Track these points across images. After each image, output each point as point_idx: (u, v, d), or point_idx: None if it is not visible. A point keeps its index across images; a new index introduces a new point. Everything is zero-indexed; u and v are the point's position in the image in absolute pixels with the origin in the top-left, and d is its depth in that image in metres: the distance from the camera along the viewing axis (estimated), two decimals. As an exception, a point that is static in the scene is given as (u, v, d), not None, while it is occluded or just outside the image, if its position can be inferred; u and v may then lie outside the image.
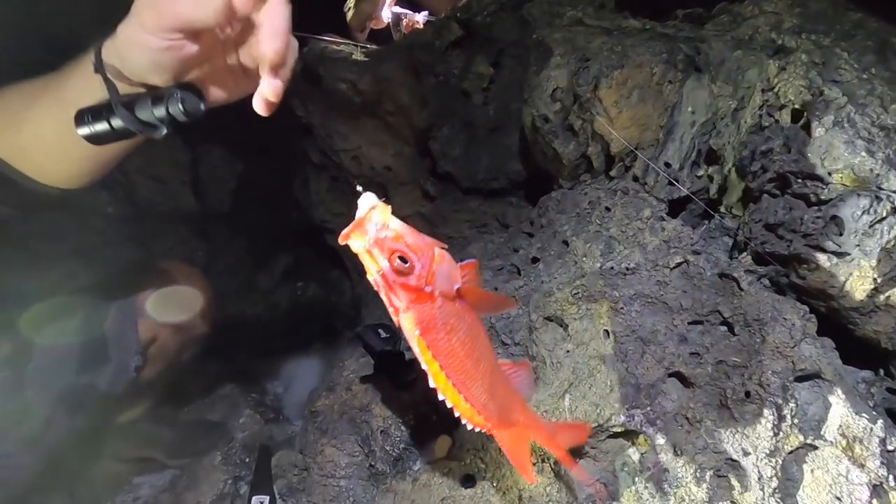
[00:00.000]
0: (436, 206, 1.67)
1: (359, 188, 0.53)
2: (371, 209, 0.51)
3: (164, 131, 0.64)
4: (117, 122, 0.61)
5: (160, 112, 0.61)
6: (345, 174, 1.81)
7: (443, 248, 0.54)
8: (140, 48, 0.60)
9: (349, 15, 2.13)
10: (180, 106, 0.61)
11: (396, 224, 0.52)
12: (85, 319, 1.35)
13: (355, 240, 0.51)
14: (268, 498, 1.29)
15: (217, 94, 0.69)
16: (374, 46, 1.79)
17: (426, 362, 0.55)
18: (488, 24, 1.46)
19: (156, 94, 0.61)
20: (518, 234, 1.39)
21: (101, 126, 0.62)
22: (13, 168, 0.73)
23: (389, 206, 0.52)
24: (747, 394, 0.82)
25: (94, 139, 0.63)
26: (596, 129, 1.05)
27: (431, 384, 0.56)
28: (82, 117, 0.62)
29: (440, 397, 0.57)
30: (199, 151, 2.50)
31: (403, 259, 0.51)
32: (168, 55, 0.61)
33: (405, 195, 1.70)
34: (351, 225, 0.51)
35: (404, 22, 2.12)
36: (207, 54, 0.64)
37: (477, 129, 1.50)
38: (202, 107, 0.64)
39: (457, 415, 0.59)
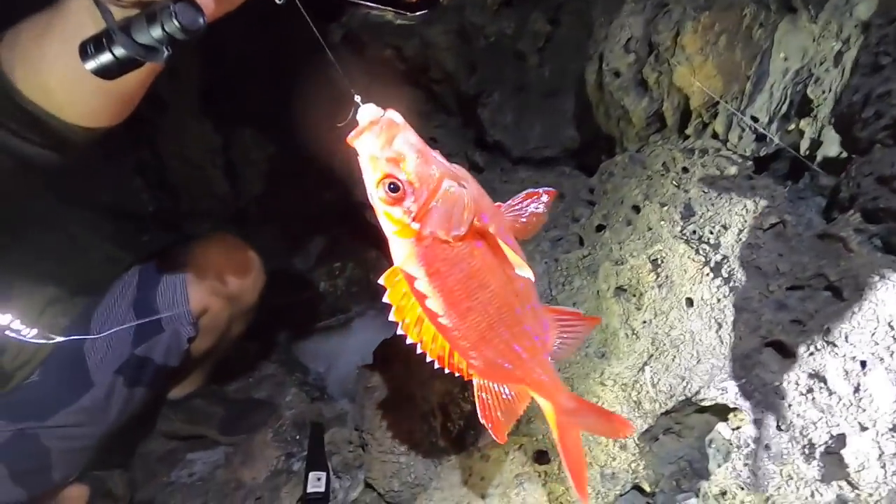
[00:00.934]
0: (484, 178, 1.60)
1: (357, 98, 0.49)
2: (379, 120, 0.46)
3: (166, 54, 0.58)
4: (119, 51, 0.57)
5: (157, 31, 0.56)
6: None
7: (461, 187, 0.49)
8: None
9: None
10: (176, 21, 0.55)
11: (402, 145, 0.46)
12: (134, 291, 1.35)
13: (361, 146, 0.47)
14: (324, 474, 1.27)
15: (212, 4, 0.63)
16: (419, 13, 1.72)
17: (399, 295, 0.52)
18: (545, -22, 1.37)
19: (150, 12, 0.56)
20: (577, 203, 1.32)
21: (105, 57, 0.57)
22: (38, 106, 0.70)
23: (399, 121, 0.47)
24: (863, 364, 0.74)
25: (101, 72, 0.59)
26: (674, 81, 0.97)
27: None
28: (85, 50, 0.58)
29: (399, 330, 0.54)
30: (229, 134, 2.48)
31: (395, 186, 0.47)
32: None
33: (451, 167, 1.64)
34: (362, 124, 0.47)
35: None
36: None
37: (530, 93, 1.42)
38: (201, 21, 0.58)
39: (420, 351, 0.56)
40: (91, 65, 0.58)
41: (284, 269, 2.60)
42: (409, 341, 0.55)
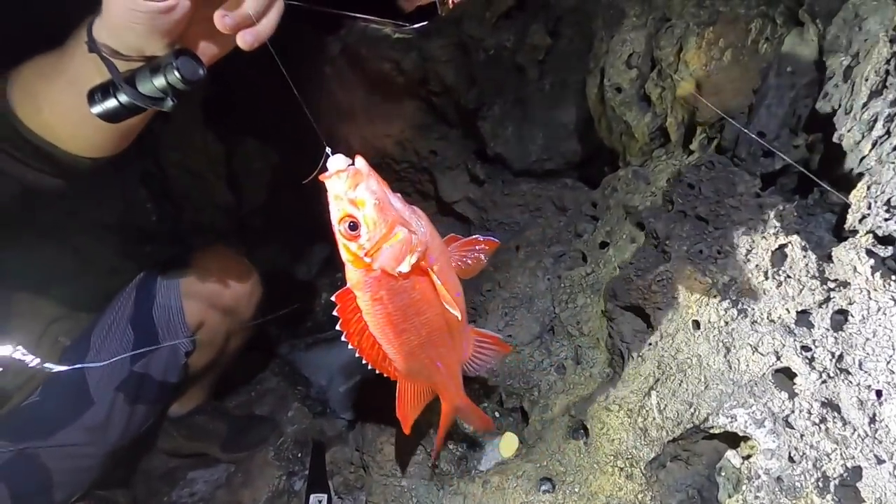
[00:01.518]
0: (485, 191, 1.59)
1: (328, 150, 0.56)
2: (349, 168, 0.54)
3: (171, 103, 0.63)
4: (124, 98, 0.61)
5: (160, 82, 0.60)
6: (387, 161, 1.75)
7: (412, 232, 0.57)
8: (133, 19, 0.58)
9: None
10: (177, 73, 0.60)
11: (364, 191, 0.54)
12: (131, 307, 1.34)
13: (330, 186, 0.55)
14: (325, 496, 1.25)
15: (210, 51, 0.67)
16: (417, 25, 1.70)
17: (346, 310, 0.63)
18: (544, -10, 1.35)
19: (153, 65, 0.61)
20: (580, 217, 1.29)
21: (111, 103, 0.62)
22: (44, 139, 0.75)
23: (364, 170, 0.55)
24: (878, 393, 0.71)
25: (107, 117, 0.63)
26: (678, 97, 0.94)
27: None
28: (93, 97, 0.63)
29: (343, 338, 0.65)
30: (232, 144, 2.47)
31: (354, 226, 0.55)
32: (162, 20, 0.59)
33: (452, 180, 1.62)
34: (331, 171, 0.55)
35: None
36: (197, 13, 0.61)
37: (531, 106, 1.40)
38: (201, 72, 0.63)
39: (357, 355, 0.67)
40: (97, 110, 0.62)
41: (286, 279, 2.59)
42: (349, 347, 0.66)
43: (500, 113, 1.44)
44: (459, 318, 0.64)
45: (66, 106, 0.72)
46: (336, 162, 0.55)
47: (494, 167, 1.56)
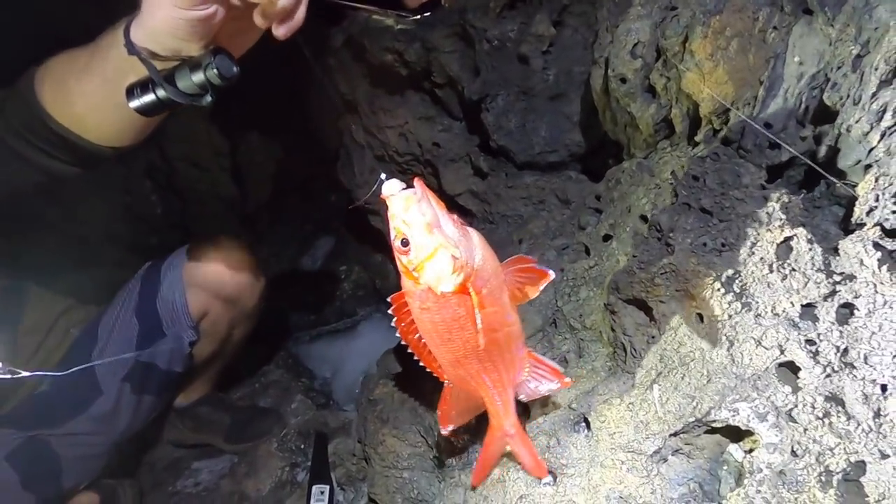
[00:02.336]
0: (488, 183, 1.58)
1: (382, 176, 0.63)
2: (407, 191, 0.61)
3: (210, 98, 0.66)
4: (163, 94, 0.65)
5: (199, 79, 0.64)
6: (391, 152, 1.74)
7: (454, 258, 0.62)
8: (175, 26, 0.62)
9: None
10: (216, 71, 0.63)
11: (415, 214, 0.61)
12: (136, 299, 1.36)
13: (390, 204, 0.62)
14: (328, 487, 1.26)
15: (237, 46, 0.71)
16: (420, 16, 1.69)
17: (400, 311, 0.72)
18: (548, -20, 1.33)
19: (192, 63, 0.65)
20: (584, 210, 1.28)
21: (150, 98, 0.66)
22: (69, 130, 0.80)
23: (418, 194, 0.61)
24: (883, 387, 0.70)
25: (144, 111, 0.67)
26: (683, 87, 0.93)
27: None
28: (132, 92, 0.67)
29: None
30: (237, 137, 2.48)
31: (405, 242, 0.62)
32: (201, 26, 0.62)
33: (455, 172, 1.61)
34: (394, 192, 0.62)
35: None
36: (231, 13, 0.65)
37: (535, 97, 1.39)
38: (235, 69, 0.66)
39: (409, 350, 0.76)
40: (135, 104, 0.66)
41: (290, 271, 2.59)
42: (401, 342, 0.74)
43: (504, 104, 1.43)
44: (482, 344, 0.70)
45: (98, 99, 0.76)
46: (391, 186, 0.62)
47: (498, 159, 1.55)
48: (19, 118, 0.80)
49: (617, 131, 1.17)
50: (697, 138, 1.00)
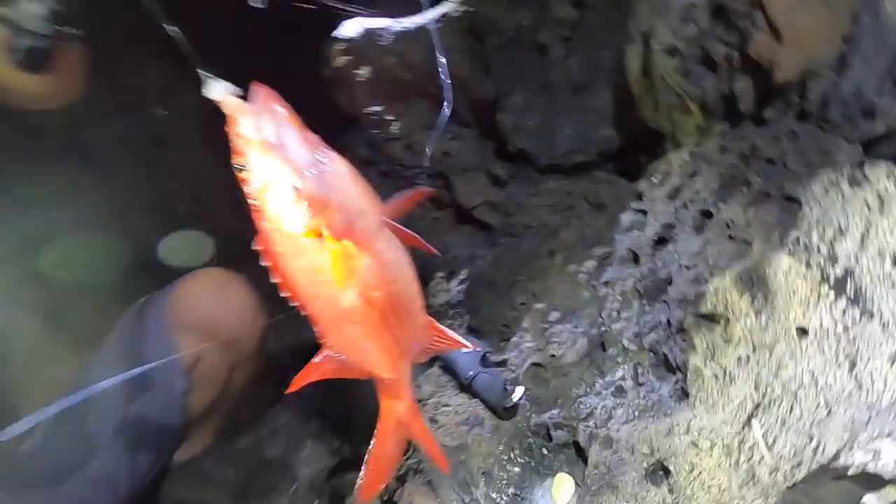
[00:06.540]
0: (508, 192, 1.42)
1: (202, 74, 0.52)
2: (238, 104, 0.49)
3: None
4: None
5: None
6: (396, 167, 1.60)
7: (297, 186, 0.49)
8: None
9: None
10: None
11: (247, 129, 0.49)
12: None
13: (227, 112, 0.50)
14: (347, 560, 1.07)
15: None
16: (419, 15, 1.57)
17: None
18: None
19: None
20: (625, 212, 1.12)
21: None
22: None
23: (254, 103, 0.49)
24: None
25: None
26: (752, 53, 0.77)
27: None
28: None
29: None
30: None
31: (241, 166, 0.50)
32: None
33: (469, 182, 1.46)
34: (225, 100, 0.50)
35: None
36: None
37: (556, 91, 1.24)
38: None
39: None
40: None
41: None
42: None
43: (522, 102, 1.28)
44: (348, 304, 0.54)
45: None
46: (217, 89, 0.52)
47: (517, 165, 1.41)
48: None
49: (659, 118, 1.02)
50: (767, 115, 0.84)
